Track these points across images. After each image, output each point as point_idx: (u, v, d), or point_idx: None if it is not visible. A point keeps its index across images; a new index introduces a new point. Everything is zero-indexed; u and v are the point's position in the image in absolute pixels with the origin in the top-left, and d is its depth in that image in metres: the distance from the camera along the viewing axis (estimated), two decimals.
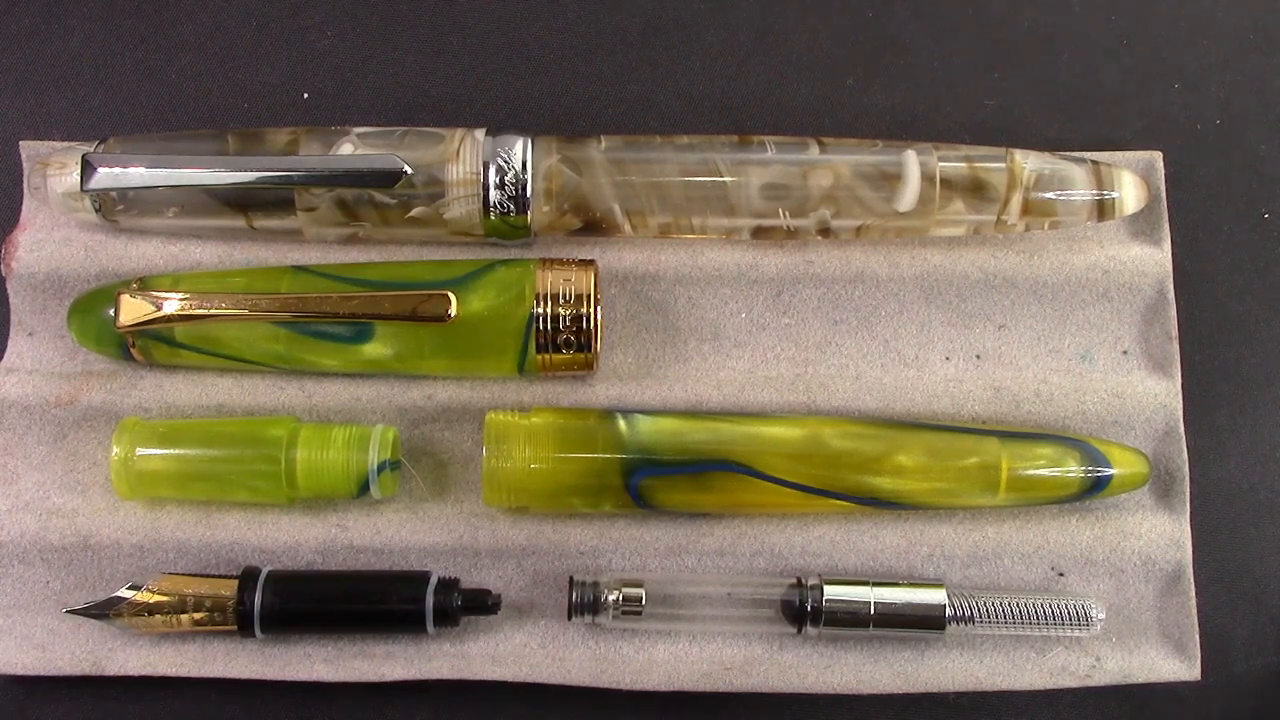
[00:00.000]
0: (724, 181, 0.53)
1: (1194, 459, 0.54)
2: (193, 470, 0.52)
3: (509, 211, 0.53)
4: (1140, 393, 0.54)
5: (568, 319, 0.52)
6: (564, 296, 0.52)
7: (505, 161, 0.53)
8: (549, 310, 0.51)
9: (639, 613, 0.51)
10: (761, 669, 0.52)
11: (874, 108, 0.59)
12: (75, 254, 0.55)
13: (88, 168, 0.52)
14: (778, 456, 0.51)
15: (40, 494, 0.54)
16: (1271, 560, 0.55)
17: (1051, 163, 0.53)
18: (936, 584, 0.51)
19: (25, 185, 0.56)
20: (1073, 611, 0.51)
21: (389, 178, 0.52)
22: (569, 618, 0.51)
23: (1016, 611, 0.51)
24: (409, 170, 0.52)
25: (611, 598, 0.51)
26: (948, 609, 0.51)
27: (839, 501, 0.52)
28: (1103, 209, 0.53)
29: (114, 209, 0.53)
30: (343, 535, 0.53)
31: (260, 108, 0.59)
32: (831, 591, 0.51)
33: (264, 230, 0.54)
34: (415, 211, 0.53)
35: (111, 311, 0.52)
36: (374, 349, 0.52)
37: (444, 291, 0.51)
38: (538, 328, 0.51)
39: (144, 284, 0.52)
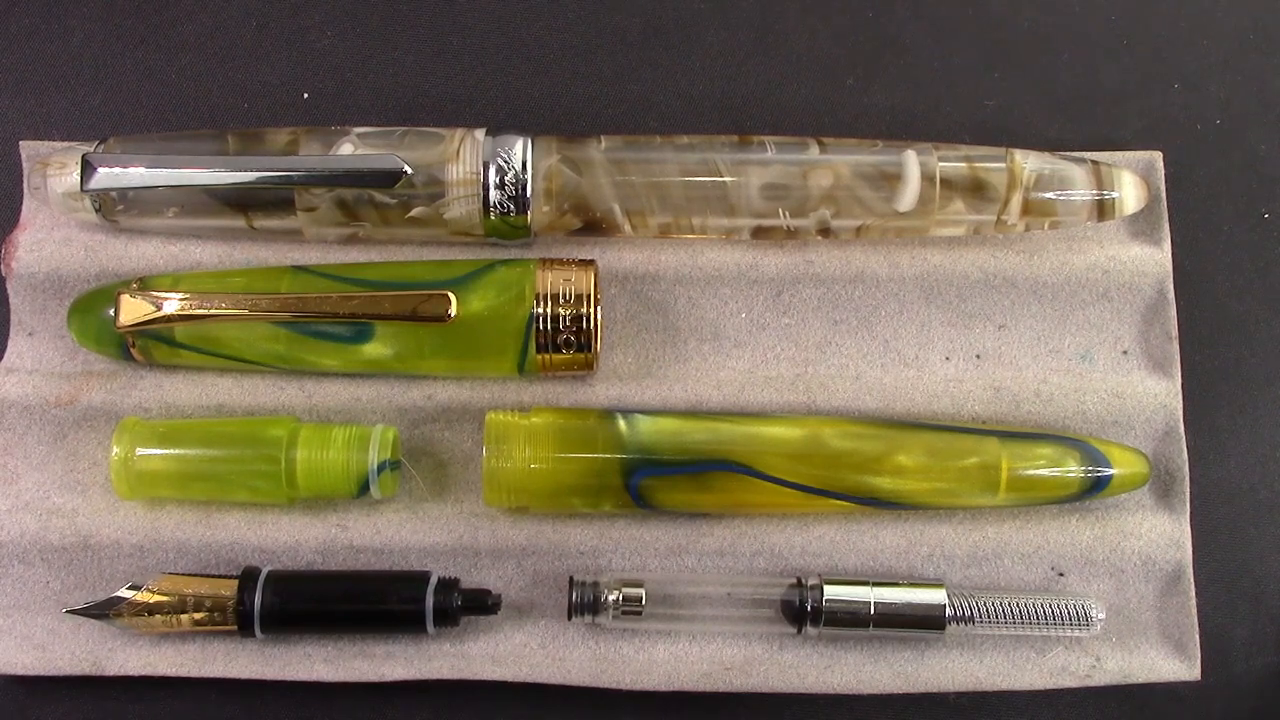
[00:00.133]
0: (724, 181, 0.53)
1: (1194, 459, 0.54)
2: (193, 470, 0.52)
3: (509, 211, 0.53)
4: (1140, 393, 0.54)
5: (568, 319, 0.51)
6: (564, 296, 0.52)
7: (505, 161, 0.53)
8: (549, 310, 0.51)
9: (639, 613, 0.51)
10: (761, 669, 0.52)
11: (874, 108, 0.59)
12: (75, 254, 0.55)
13: (88, 168, 0.52)
14: (778, 456, 0.51)
15: (40, 494, 0.54)
16: (1271, 560, 0.55)
17: (1051, 163, 0.53)
18: (936, 584, 0.51)
19: (25, 185, 0.55)
20: (1073, 611, 0.51)
21: (389, 178, 0.52)
22: (569, 618, 0.51)
23: (1016, 611, 0.51)
24: (409, 170, 0.52)
25: (611, 598, 0.51)
26: (948, 609, 0.51)
27: (839, 501, 0.52)
28: (1103, 209, 0.53)
29: (114, 209, 0.53)
30: (343, 535, 0.53)
31: (260, 108, 0.59)
32: (831, 591, 0.51)
33: (264, 230, 0.54)
34: (415, 211, 0.53)
35: (111, 311, 0.52)
36: (374, 349, 0.52)
37: (444, 291, 0.51)
38: (538, 328, 0.51)
39: (144, 284, 0.52)
